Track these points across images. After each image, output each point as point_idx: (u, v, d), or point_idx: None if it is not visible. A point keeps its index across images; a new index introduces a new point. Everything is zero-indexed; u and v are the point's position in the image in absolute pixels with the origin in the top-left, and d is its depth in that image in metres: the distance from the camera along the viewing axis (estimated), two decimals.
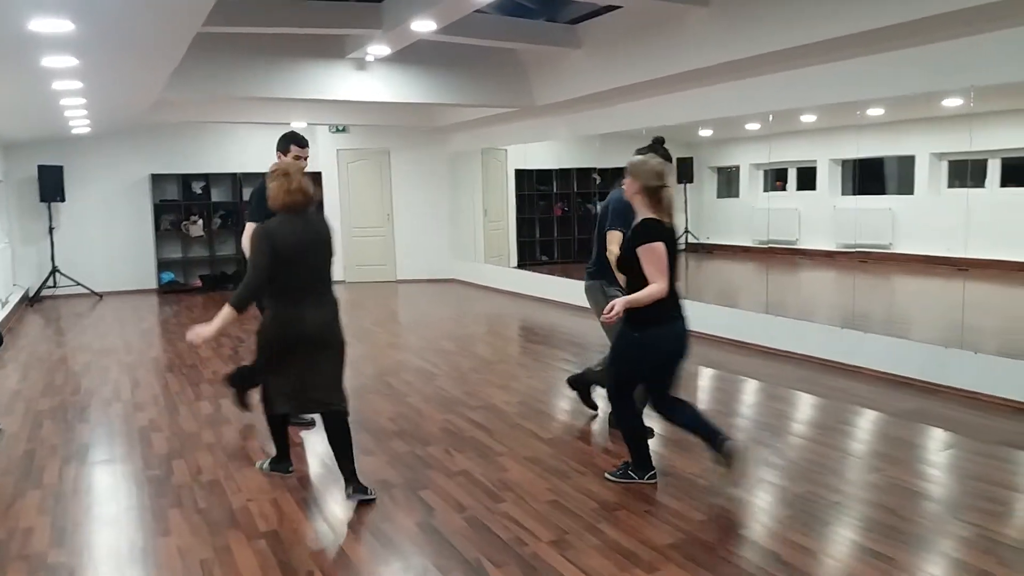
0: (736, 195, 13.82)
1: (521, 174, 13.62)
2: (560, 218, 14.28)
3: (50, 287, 11.82)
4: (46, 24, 4.22)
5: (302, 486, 4.22)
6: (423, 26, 6.82)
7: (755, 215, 12.43)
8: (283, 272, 3.83)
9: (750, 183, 13.42)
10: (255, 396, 4.74)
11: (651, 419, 4.85)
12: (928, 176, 10.96)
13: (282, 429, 4.33)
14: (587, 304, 5.03)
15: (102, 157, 12.23)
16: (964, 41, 5.46)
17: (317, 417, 5.20)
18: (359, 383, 6.28)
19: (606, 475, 4.15)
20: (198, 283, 12.92)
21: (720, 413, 5.47)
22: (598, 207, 13.65)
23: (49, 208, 11.67)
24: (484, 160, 13.18)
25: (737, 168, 13.61)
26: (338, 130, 13.20)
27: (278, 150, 5.03)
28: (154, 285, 12.72)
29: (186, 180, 12.74)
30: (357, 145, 13.41)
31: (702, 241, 13.39)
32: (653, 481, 4.09)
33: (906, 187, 11.49)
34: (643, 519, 3.65)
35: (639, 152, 4.54)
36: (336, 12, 7.43)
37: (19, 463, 4.62)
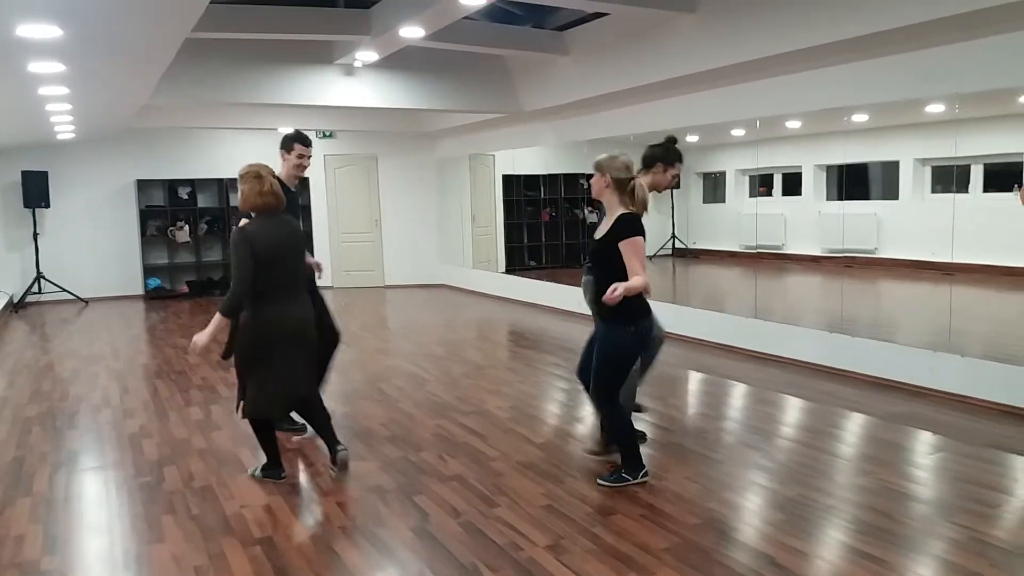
0: (722, 200, 13.91)
1: (509, 179, 13.65)
2: (548, 223, 14.30)
3: (35, 293, 11.71)
4: (34, 30, 4.21)
5: (295, 492, 4.21)
6: (411, 32, 6.84)
7: (741, 220, 12.51)
8: (262, 274, 3.96)
9: (736, 189, 13.51)
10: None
11: (641, 423, 4.89)
12: (912, 181, 11.07)
13: (269, 435, 4.33)
14: (585, 305, 5.01)
15: (87, 163, 12.15)
16: (949, 48, 5.51)
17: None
18: (350, 388, 6.27)
19: (599, 481, 4.15)
20: (185, 289, 12.85)
21: (710, 417, 5.50)
22: (586, 212, 13.53)
23: (34, 214, 11.57)
24: (472, 166, 13.20)
25: (723, 174, 13.69)
26: (326, 136, 13.18)
27: (282, 148, 4.97)
28: (140, 291, 12.64)
29: (172, 186, 12.67)
30: (345, 151, 13.40)
31: (688, 246, 13.46)
32: (646, 479, 4.12)
33: (891, 192, 11.59)
34: (638, 523, 3.66)
35: (652, 148, 4.58)
36: (324, 18, 7.43)
37: (8, 470, 4.58)
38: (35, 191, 11.42)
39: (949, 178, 10.65)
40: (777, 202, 13.04)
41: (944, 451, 4.70)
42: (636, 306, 3.96)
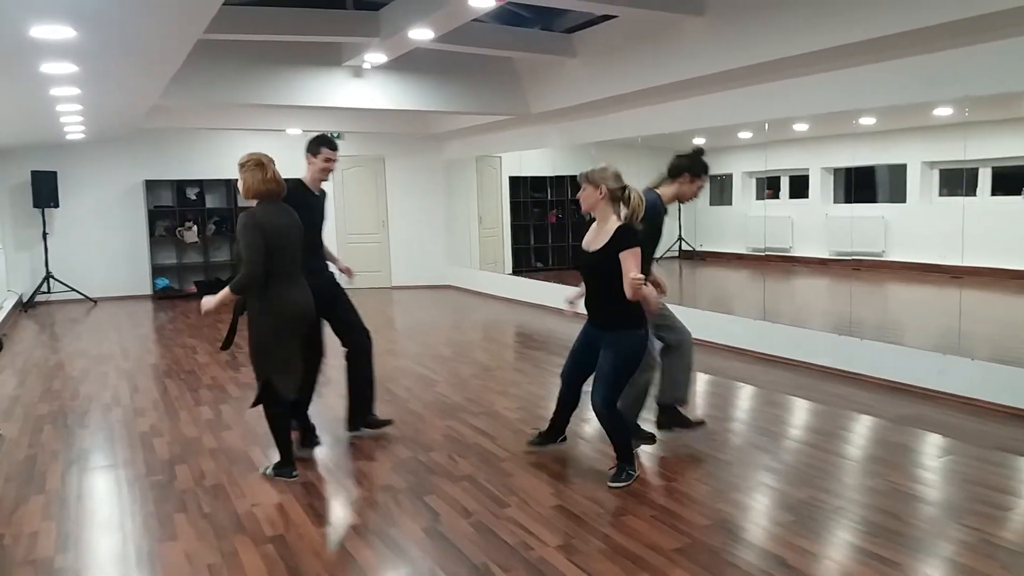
0: (729, 203, 13.91)
1: (516, 181, 13.67)
2: (555, 225, 14.32)
3: (44, 293, 11.78)
4: (48, 31, 4.24)
5: (306, 491, 4.22)
6: (421, 34, 6.87)
7: (748, 223, 12.51)
8: (270, 259, 4.09)
9: (743, 191, 13.51)
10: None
11: (648, 424, 4.90)
12: (920, 184, 11.06)
13: (287, 433, 4.37)
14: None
15: (96, 163, 12.21)
16: (959, 52, 5.52)
17: (316, 421, 5.25)
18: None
19: (610, 484, 4.15)
20: (193, 289, 12.88)
21: (719, 419, 5.51)
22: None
23: (43, 214, 11.64)
24: (479, 167, 13.23)
25: (730, 176, 13.69)
26: (334, 137, 13.20)
27: (308, 152, 4.94)
28: (149, 291, 12.70)
29: (180, 186, 12.74)
30: (352, 152, 13.42)
31: (695, 248, 13.46)
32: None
33: (898, 195, 11.58)
34: (648, 523, 3.68)
35: (680, 158, 4.62)
36: (333, 20, 7.46)
37: (21, 468, 4.61)
38: (44, 191, 11.48)
39: (957, 181, 10.65)
40: (784, 205, 13.04)
41: (953, 454, 4.70)
42: (639, 311, 4.10)
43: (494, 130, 11.71)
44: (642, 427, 4.79)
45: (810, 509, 3.83)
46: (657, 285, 4.69)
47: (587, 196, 4.14)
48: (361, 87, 8.94)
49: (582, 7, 6.76)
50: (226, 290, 4.11)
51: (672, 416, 4.80)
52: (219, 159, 12.78)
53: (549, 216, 14.29)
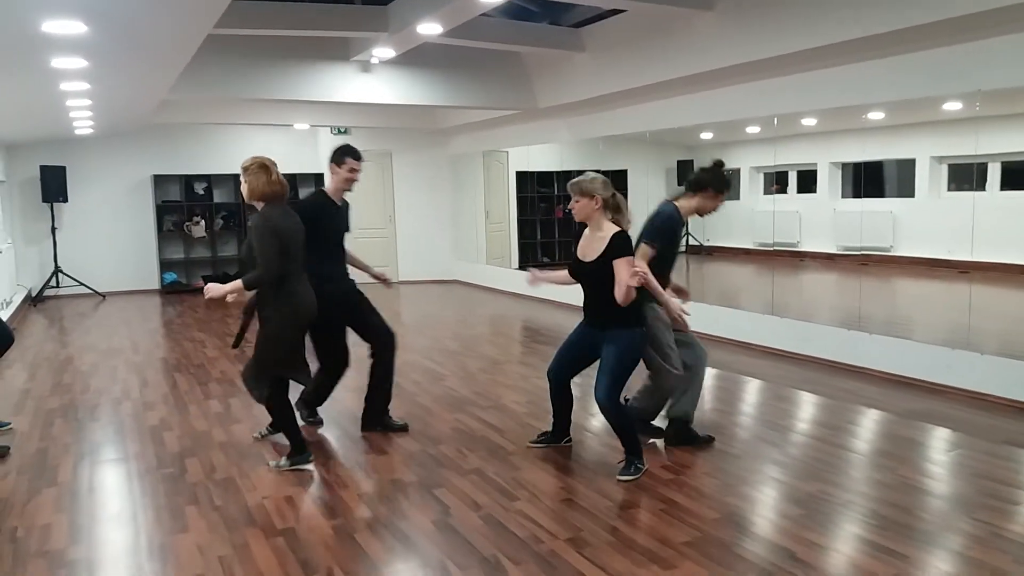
0: (736, 197, 13.87)
1: (523, 176, 13.65)
2: (561, 220, 14.30)
3: (52, 287, 11.83)
4: (59, 26, 4.25)
5: (316, 484, 4.25)
6: (429, 29, 6.86)
7: (756, 218, 12.48)
8: (285, 259, 4.18)
9: (750, 186, 13.47)
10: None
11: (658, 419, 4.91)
12: (928, 179, 11.02)
13: (294, 419, 4.47)
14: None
15: (104, 158, 12.26)
16: (971, 45, 5.50)
17: (324, 415, 5.30)
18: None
19: (619, 478, 4.17)
20: (201, 283, 12.92)
21: (727, 413, 5.51)
22: None
23: (52, 208, 11.69)
24: (486, 162, 13.22)
25: (737, 171, 13.66)
26: (340, 132, 13.22)
27: (332, 161, 4.92)
28: (156, 285, 12.75)
29: (188, 181, 12.77)
30: (359, 147, 13.09)
31: (702, 243, 13.44)
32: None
33: (906, 190, 11.55)
34: (658, 517, 3.69)
35: (703, 173, 4.69)
36: (343, 15, 7.46)
37: (33, 461, 4.64)
38: (53, 186, 11.53)
39: (965, 176, 10.61)
40: (792, 199, 13.01)
41: (961, 448, 4.70)
42: (638, 311, 4.20)
43: (501, 125, 11.71)
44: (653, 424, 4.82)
45: (819, 503, 3.83)
46: (681, 292, 4.75)
47: (582, 207, 4.21)
48: (369, 82, 8.93)
49: (591, 1, 6.75)
50: (238, 282, 4.17)
51: (680, 431, 4.73)
52: (227, 154, 12.82)
53: (556, 211, 14.27)
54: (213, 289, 4.23)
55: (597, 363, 4.27)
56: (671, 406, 4.73)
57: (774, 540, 3.44)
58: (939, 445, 4.88)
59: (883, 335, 6.56)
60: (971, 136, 6.93)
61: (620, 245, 4.10)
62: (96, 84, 6.41)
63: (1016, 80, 5.41)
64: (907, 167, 11.42)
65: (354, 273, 5.23)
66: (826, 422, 5.41)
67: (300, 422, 4.86)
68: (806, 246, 12.24)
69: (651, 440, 4.72)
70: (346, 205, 5.06)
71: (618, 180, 11.68)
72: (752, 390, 6.34)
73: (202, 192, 12.88)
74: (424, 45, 7.92)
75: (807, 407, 5.81)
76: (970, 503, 3.82)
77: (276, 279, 4.16)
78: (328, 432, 5.17)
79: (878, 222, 11.28)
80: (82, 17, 4.13)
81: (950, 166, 10.88)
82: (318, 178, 13.25)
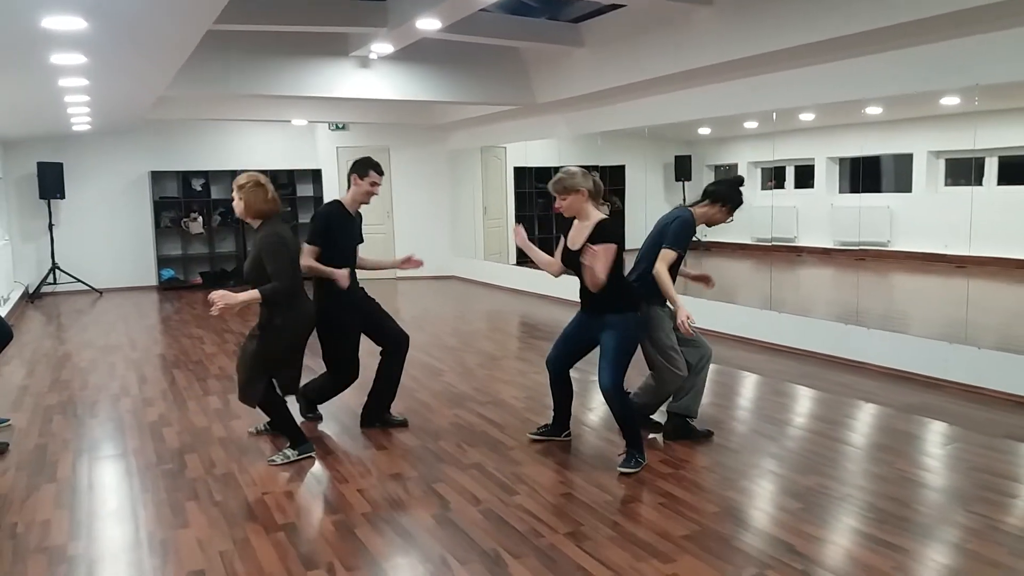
0: None
1: (521, 172, 13.64)
2: (559, 215, 14.28)
3: (50, 284, 11.82)
4: (58, 22, 4.25)
5: (316, 479, 4.26)
6: (428, 24, 6.85)
7: (753, 213, 12.46)
8: (297, 271, 4.38)
9: (748, 181, 13.46)
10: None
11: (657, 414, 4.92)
12: (926, 174, 11.03)
13: (288, 415, 4.52)
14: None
15: (102, 154, 12.24)
16: (969, 40, 5.51)
17: (324, 412, 5.32)
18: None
19: (620, 470, 4.18)
20: (198, 280, 12.93)
21: (725, 407, 5.53)
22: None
23: (49, 205, 11.68)
24: (484, 158, 13.22)
25: (735, 166, 13.66)
26: (338, 128, 13.22)
27: (354, 173, 4.90)
28: (154, 282, 12.74)
29: (186, 177, 12.76)
30: (357, 143, 13.43)
31: (700, 238, 13.44)
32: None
33: (904, 185, 11.56)
34: (657, 511, 3.70)
35: (719, 186, 4.80)
36: (341, 10, 7.44)
37: (32, 457, 4.64)
38: (50, 182, 11.52)
39: (962, 171, 10.62)
40: (789, 194, 13.01)
41: (959, 441, 4.72)
42: (631, 295, 4.28)
43: (499, 120, 11.70)
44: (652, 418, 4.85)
45: (817, 496, 3.85)
46: (706, 280, 5.00)
47: (571, 203, 4.33)
48: (367, 77, 8.92)
49: None
50: (255, 292, 4.18)
51: (679, 426, 4.76)
52: (224, 150, 12.82)
53: (554, 207, 14.21)
54: (227, 297, 4.10)
55: (595, 357, 4.28)
56: (673, 402, 4.75)
57: (773, 533, 3.46)
58: (936, 439, 4.90)
59: (881, 330, 6.58)
60: (969, 131, 6.93)
61: (602, 232, 4.18)
62: (95, 80, 6.41)
63: (1014, 74, 5.42)
64: (904, 162, 11.43)
65: (370, 272, 5.26)
66: (824, 416, 5.43)
67: (299, 419, 4.90)
68: (804, 241, 12.25)
69: (651, 435, 4.74)
70: (360, 216, 5.06)
71: (616, 175, 11.69)
72: (750, 385, 6.36)
73: (199, 188, 12.87)
74: (422, 40, 7.91)
75: (805, 401, 5.83)
76: (967, 496, 3.84)
77: (292, 292, 4.27)
78: (327, 428, 5.18)
79: (875, 217, 11.29)
80: (82, 13, 4.13)
81: (947, 161, 10.89)
82: (316, 174, 13.27)
